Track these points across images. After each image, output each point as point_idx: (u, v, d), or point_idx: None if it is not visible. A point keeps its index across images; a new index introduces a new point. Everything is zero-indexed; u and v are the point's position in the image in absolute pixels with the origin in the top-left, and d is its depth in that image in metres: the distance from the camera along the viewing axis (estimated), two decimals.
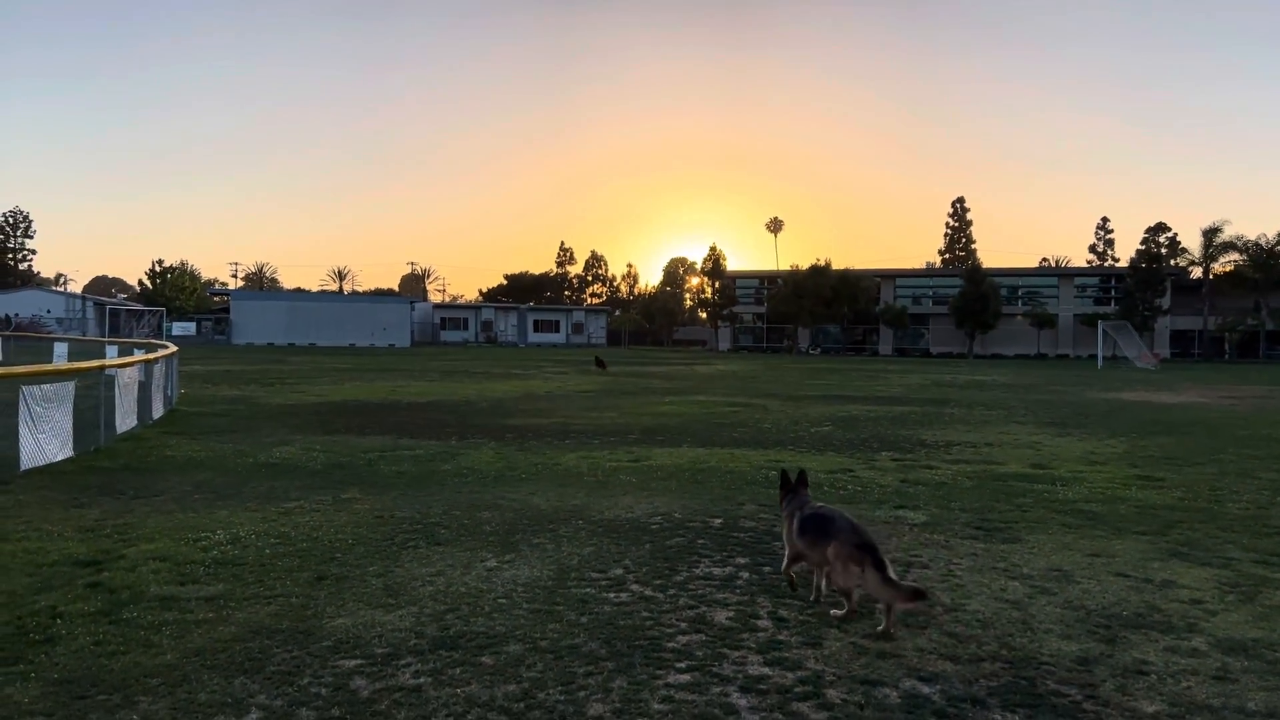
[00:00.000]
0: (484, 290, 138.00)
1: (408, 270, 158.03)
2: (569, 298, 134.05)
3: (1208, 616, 6.00)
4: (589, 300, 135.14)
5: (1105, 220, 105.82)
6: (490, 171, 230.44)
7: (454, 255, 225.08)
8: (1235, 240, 76.72)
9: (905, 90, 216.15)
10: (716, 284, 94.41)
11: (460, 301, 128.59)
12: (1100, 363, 58.35)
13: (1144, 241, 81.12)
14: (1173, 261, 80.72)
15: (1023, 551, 7.75)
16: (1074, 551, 7.76)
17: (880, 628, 5.61)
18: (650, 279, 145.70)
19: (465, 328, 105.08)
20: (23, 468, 10.94)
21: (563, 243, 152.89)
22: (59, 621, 5.54)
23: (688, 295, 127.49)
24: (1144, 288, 76.28)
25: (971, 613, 6.02)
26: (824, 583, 6.18)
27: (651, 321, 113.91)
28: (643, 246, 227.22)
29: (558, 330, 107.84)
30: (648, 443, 14.97)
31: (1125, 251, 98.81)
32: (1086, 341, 74.85)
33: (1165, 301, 77.01)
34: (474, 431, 16.30)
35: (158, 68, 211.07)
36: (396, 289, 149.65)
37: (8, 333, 53.16)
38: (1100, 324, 62.65)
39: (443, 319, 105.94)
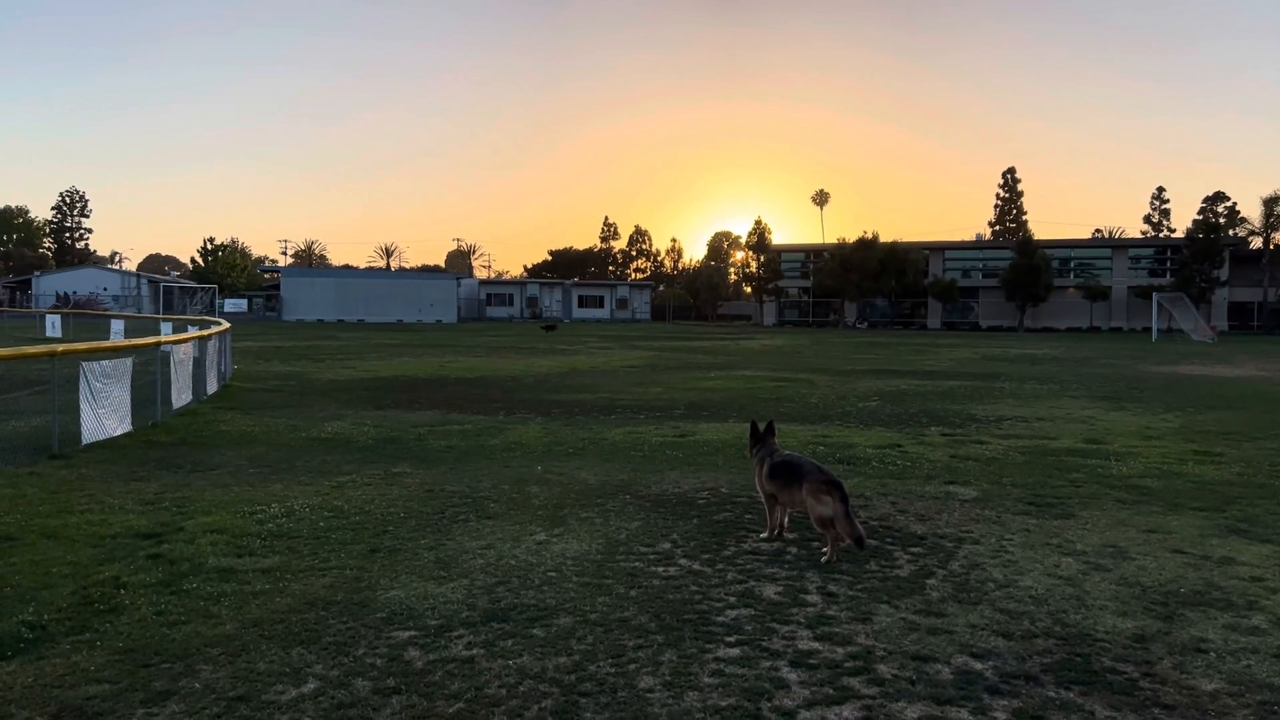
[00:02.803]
0: (529, 266, 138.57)
1: (454, 247, 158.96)
2: (613, 273, 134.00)
3: (1268, 594, 5.88)
4: (633, 275, 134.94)
5: (1161, 190, 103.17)
6: (534, 147, 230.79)
7: (499, 231, 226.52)
8: None
9: (954, 59, 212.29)
10: (761, 258, 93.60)
11: (505, 277, 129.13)
12: (1155, 336, 57.22)
13: (1201, 211, 79.23)
14: (1231, 231, 78.58)
15: (1076, 527, 7.64)
16: (1129, 528, 7.64)
17: (824, 558, 6.49)
18: (694, 254, 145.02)
19: (511, 304, 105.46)
20: (84, 442, 11.23)
21: (606, 218, 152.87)
22: (122, 592, 5.70)
23: (732, 270, 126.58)
24: (1201, 259, 74.27)
25: (1024, 589, 5.96)
26: (786, 520, 7.20)
27: (696, 296, 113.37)
28: (687, 221, 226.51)
29: (602, 306, 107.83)
30: (693, 418, 14.97)
31: (1181, 222, 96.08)
32: (1140, 314, 73.30)
33: (1223, 273, 75.01)
34: (521, 406, 16.41)
35: (206, 45, 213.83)
36: (443, 265, 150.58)
37: (67, 310, 54.40)
38: (1155, 296, 61.33)
39: (488, 295, 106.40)
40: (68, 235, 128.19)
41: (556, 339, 48.14)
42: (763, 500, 7.31)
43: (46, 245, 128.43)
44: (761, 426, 7.46)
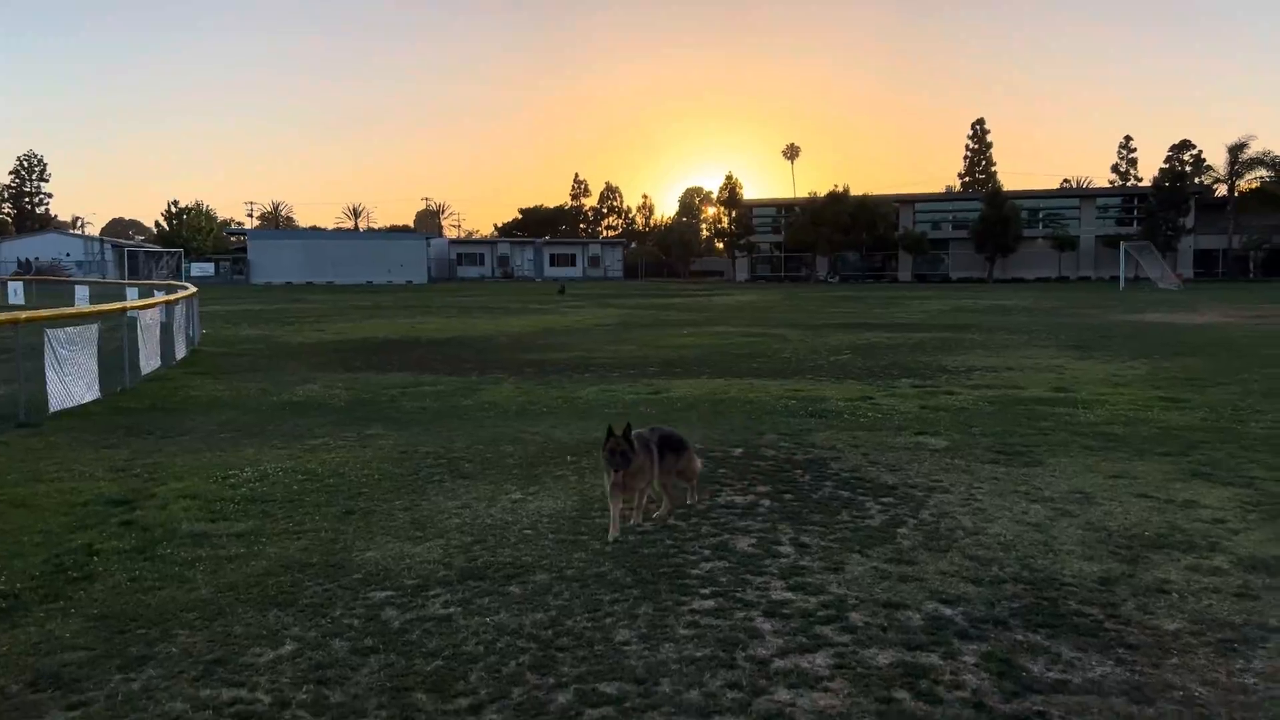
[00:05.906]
0: (499, 225, 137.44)
1: (423, 206, 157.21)
2: (584, 230, 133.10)
3: (1230, 535, 6.01)
4: (604, 233, 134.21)
5: (1128, 139, 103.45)
6: (503, 104, 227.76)
7: (469, 190, 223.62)
8: (1262, 156, 74.79)
9: (922, 8, 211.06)
10: (733, 213, 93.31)
11: (476, 237, 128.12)
12: (1122, 284, 57.77)
13: (1167, 160, 79.58)
14: (1197, 180, 79.14)
15: (1044, 475, 7.76)
16: (1096, 474, 7.77)
17: (657, 514, 6.47)
18: (666, 210, 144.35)
19: (482, 263, 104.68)
20: (51, 410, 11.10)
21: (577, 175, 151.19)
22: (95, 559, 5.67)
23: (704, 226, 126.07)
24: (1167, 207, 74.79)
25: (993, 536, 6.06)
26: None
27: (668, 253, 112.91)
28: (658, 177, 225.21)
29: (574, 264, 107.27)
30: (667, 375, 15.00)
31: (1149, 171, 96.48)
32: (1108, 263, 73.86)
33: (1189, 221, 75.65)
34: (493, 367, 16.37)
35: (165, 3, 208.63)
36: (412, 225, 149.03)
37: (29, 277, 53.48)
38: (1122, 245, 61.80)
39: (459, 255, 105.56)
40: (27, 200, 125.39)
41: (530, 298, 48.01)
42: (664, 494, 6.63)
43: (5, 211, 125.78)
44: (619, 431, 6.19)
